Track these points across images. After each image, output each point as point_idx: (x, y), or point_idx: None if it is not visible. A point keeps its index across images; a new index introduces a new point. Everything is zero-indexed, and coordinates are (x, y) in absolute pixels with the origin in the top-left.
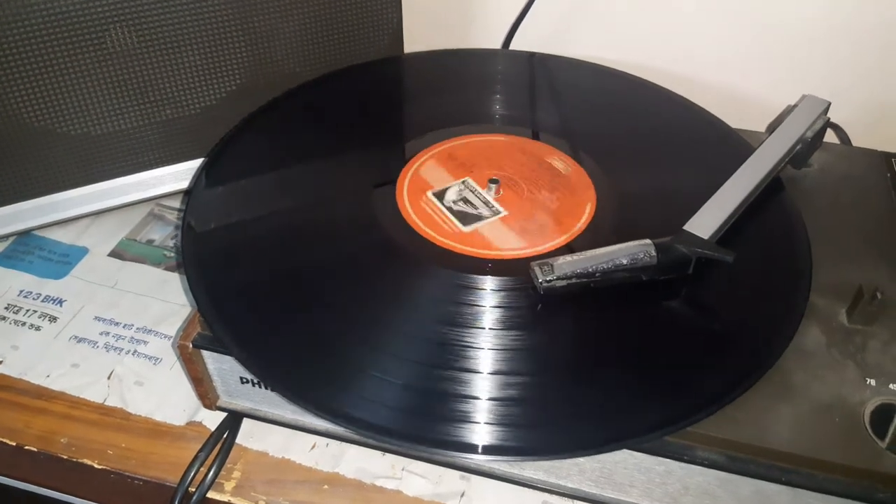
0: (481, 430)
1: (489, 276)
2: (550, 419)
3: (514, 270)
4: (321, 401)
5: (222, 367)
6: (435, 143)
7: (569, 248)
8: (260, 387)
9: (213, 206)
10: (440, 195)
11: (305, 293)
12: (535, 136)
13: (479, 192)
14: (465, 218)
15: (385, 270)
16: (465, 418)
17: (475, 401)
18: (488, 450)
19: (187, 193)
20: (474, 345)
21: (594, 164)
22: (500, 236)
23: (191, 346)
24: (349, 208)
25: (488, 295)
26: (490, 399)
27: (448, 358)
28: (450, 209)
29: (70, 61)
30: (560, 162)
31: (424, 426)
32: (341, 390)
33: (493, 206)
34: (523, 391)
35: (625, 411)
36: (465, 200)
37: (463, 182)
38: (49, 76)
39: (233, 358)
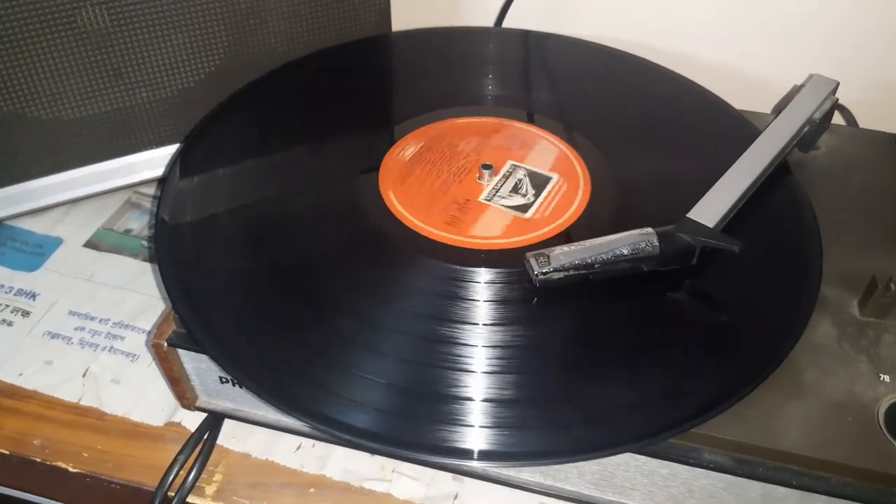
0: (474, 433)
1: (481, 268)
2: (547, 421)
3: (507, 261)
4: (303, 403)
5: (200, 367)
6: (423, 126)
7: (566, 238)
8: (240, 386)
9: (189, 196)
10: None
11: (286, 287)
12: (530, 118)
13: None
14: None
15: (370, 262)
16: (456, 421)
17: (467, 402)
18: (484, 455)
19: (162, 181)
20: (465, 341)
21: (591, 147)
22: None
23: (165, 344)
24: (332, 196)
25: (480, 288)
26: (483, 400)
27: (436, 355)
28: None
29: (39, 42)
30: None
31: (413, 430)
32: (324, 391)
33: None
34: (517, 391)
35: (626, 412)
36: (516, 188)
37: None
38: (16, 57)
39: (208, 357)
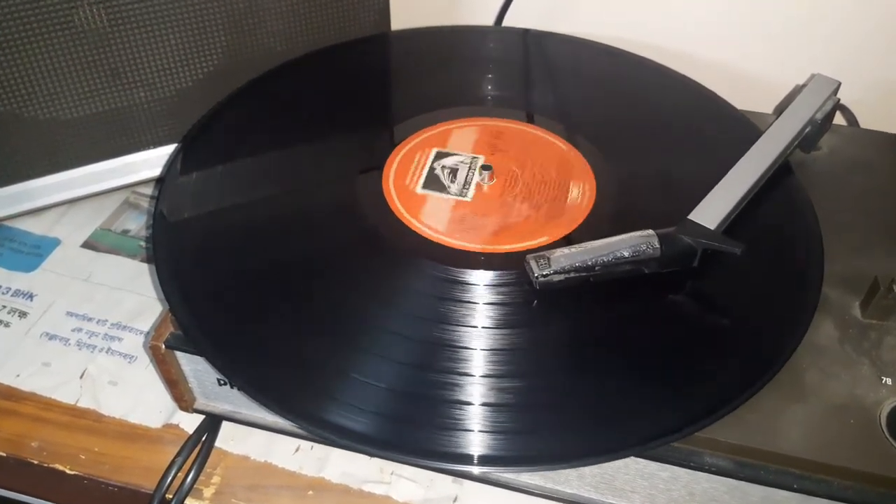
0: (474, 438)
1: (481, 270)
2: (548, 426)
3: (507, 264)
4: (301, 407)
5: (198, 369)
6: (424, 127)
7: (567, 240)
8: (237, 389)
9: (186, 196)
10: (443, 155)
11: (285, 289)
12: (530, 119)
13: (472, 173)
14: (432, 183)
15: (370, 264)
16: (455, 426)
17: (467, 406)
18: (484, 460)
19: (160, 182)
20: (464, 345)
21: (592, 148)
22: (435, 216)
23: (163, 346)
24: (331, 197)
25: (480, 290)
26: (482, 404)
27: (436, 359)
28: (431, 170)
29: (36, 41)
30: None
31: (412, 434)
32: (322, 394)
33: (466, 190)
34: (517, 395)
35: (627, 416)
36: (453, 172)
37: (473, 158)
38: (13, 57)
39: (205, 359)
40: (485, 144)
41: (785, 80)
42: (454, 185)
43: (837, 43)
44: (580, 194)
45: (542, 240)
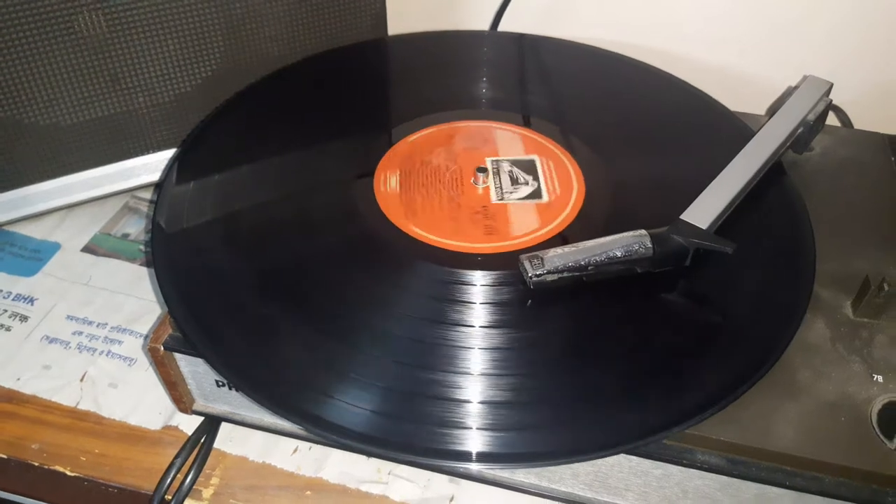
0: (472, 435)
1: (475, 271)
2: (542, 423)
3: (501, 264)
4: (299, 407)
5: (196, 370)
6: (419, 130)
7: (562, 240)
8: (236, 390)
9: (185, 200)
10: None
11: (281, 291)
12: (525, 121)
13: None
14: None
15: (365, 265)
16: (453, 423)
17: (465, 404)
18: (482, 457)
19: (158, 186)
20: (460, 344)
21: (585, 149)
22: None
23: (162, 348)
24: (328, 201)
25: (474, 291)
26: (480, 402)
27: (432, 358)
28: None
29: (37, 48)
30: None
31: (411, 433)
32: (321, 394)
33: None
34: (512, 393)
35: (619, 413)
36: (514, 180)
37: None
38: (14, 64)
39: (204, 361)
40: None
41: (778, 82)
42: (528, 183)
43: (831, 44)
44: (572, 195)
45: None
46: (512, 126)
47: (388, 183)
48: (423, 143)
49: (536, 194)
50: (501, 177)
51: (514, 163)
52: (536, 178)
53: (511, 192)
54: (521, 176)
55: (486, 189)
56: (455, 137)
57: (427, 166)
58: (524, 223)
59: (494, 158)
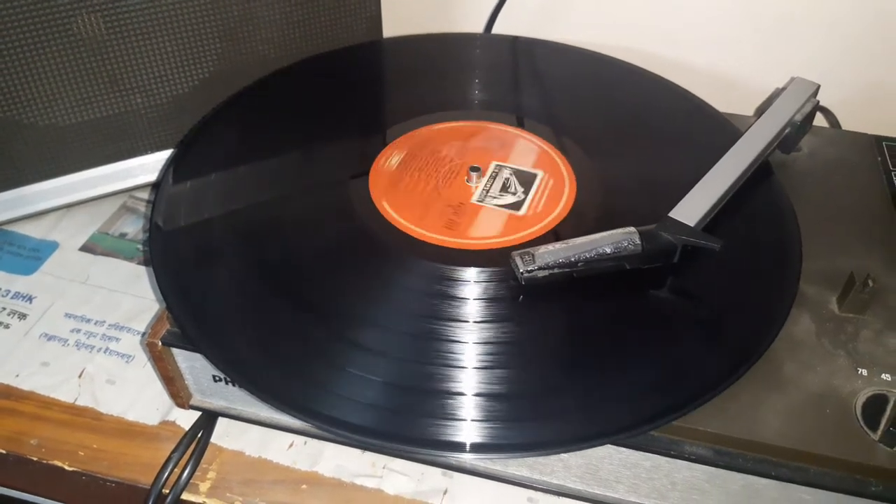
0: (465, 427)
1: (468, 268)
2: (533, 414)
3: (493, 261)
4: (296, 400)
5: (194, 366)
6: (406, 133)
7: (554, 236)
8: (233, 385)
9: (182, 200)
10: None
11: (278, 286)
12: (519, 122)
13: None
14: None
15: (360, 262)
16: (446, 415)
17: (459, 397)
18: (476, 448)
19: (155, 186)
20: (453, 338)
21: (576, 149)
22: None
23: (160, 343)
24: (323, 200)
25: (467, 286)
26: (474, 395)
27: (426, 352)
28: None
29: (35, 49)
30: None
31: (407, 425)
32: (317, 388)
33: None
34: (504, 386)
35: (608, 405)
36: (505, 187)
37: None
38: (13, 65)
39: (202, 356)
40: (477, 147)
41: (767, 84)
42: (516, 194)
43: (819, 46)
44: (564, 193)
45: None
46: (537, 138)
47: (390, 160)
48: (445, 134)
49: (517, 206)
50: (495, 181)
51: (516, 172)
52: (527, 192)
53: (494, 198)
54: (515, 186)
55: (471, 188)
56: (477, 136)
57: (434, 154)
58: (486, 228)
59: (500, 163)
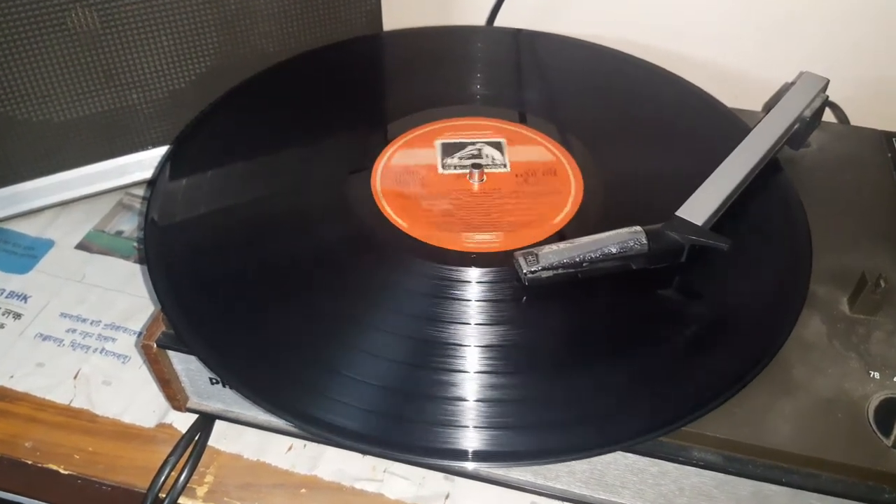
0: (467, 434)
1: (469, 268)
2: (538, 421)
3: (495, 262)
4: (293, 405)
5: (190, 368)
6: (414, 127)
7: (559, 236)
8: (230, 387)
9: (178, 198)
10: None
11: (275, 289)
12: (521, 118)
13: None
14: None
15: (360, 263)
16: (447, 422)
17: (460, 402)
18: (478, 456)
19: (152, 183)
20: (454, 341)
21: (581, 146)
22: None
23: (155, 345)
24: (322, 197)
25: (469, 288)
26: (476, 400)
27: (426, 356)
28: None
29: (29, 44)
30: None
31: (406, 431)
32: (314, 392)
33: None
34: (507, 391)
35: (616, 410)
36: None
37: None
38: (7, 59)
39: (197, 359)
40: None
41: (775, 78)
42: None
43: (828, 40)
44: (568, 192)
45: (531, 236)
46: (541, 135)
47: (391, 156)
48: (447, 130)
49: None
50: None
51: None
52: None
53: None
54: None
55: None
56: (479, 132)
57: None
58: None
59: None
